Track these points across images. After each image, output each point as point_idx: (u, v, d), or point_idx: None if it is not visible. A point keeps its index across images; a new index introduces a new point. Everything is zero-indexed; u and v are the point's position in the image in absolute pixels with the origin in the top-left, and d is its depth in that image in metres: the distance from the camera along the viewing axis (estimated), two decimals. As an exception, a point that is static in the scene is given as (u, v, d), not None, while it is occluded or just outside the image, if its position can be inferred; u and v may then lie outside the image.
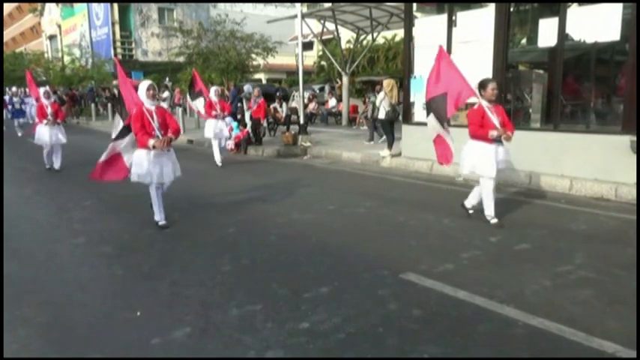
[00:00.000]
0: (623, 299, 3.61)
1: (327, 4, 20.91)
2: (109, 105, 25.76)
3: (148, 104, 5.45)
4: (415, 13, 10.03)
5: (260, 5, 37.66)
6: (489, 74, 7.59)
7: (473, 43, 8.42)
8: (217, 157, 10.13)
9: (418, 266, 4.28)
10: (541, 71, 9.37)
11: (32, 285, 4.11)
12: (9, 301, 3.71)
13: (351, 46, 20.04)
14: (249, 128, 12.37)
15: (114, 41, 35.81)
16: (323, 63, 30.30)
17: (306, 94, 18.20)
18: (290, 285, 3.96)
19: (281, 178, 8.95)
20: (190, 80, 11.73)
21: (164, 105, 15.49)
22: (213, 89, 10.44)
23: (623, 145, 6.72)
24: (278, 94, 17.38)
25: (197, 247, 5.00)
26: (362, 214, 6.26)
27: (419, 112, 9.64)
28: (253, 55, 26.33)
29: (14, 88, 21.77)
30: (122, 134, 5.78)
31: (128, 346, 3.12)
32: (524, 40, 9.94)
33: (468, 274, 4.15)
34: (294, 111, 15.78)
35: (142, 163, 5.44)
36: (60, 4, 41.46)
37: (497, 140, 5.43)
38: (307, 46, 29.33)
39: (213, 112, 10.01)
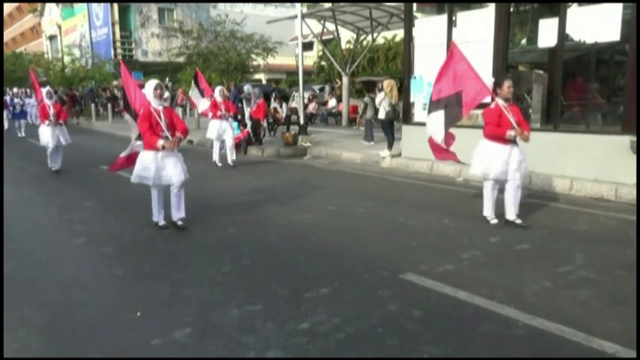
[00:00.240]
0: (623, 299, 3.61)
1: (327, 5, 20.93)
2: (109, 105, 25.75)
3: (156, 104, 5.36)
4: (415, 14, 10.04)
5: (260, 5, 37.67)
6: (489, 74, 7.60)
7: (473, 43, 8.41)
8: (217, 159, 10.10)
9: (418, 266, 4.28)
10: (541, 71, 9.37)
11: (32, 285, 4.11)
12: (9, 301, 3.70)
13: (351, 47, 20.05)
14: (249, 128, 12.37)
15: (114, 41, 35.81)
16: (323, 63, 30.31)
17: (306, 95, 18.20)
18: (290, 285, 3.97)
19: (281, 179, 8.95)
20: (194, 77, 11.66)
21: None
22: (218, 89, 10.33)
23: (623, 145, 6.72)
24: (274, 94, 17.35)
25: (197, 248, 5.00)
26: (362, 214, 6.26)
27: (419, 113, 9.64)
28: (253, 56, 26.36)
29: (15, 89, 21.74)
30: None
31: (128, 346, 3.12)
32: (524, 41, 9.95)
33: (468, 274, 4.15)
34: (294, 111, 15.78)
35: (148, 165, 5.31)
36: (60, 5, 41.47)
37: (512, 141, 5.30)
38: (307, 46, 29.35)
39: (219, 113, 9.92)
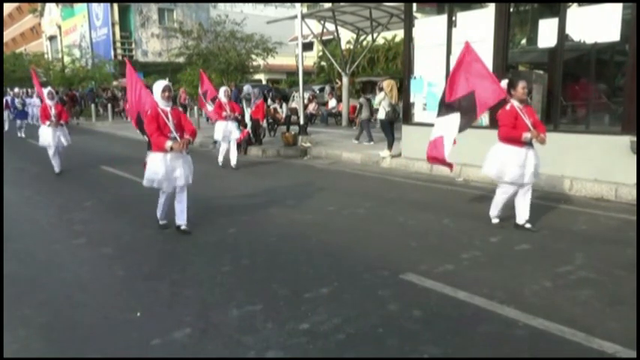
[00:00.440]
0: (623, 299, 3.61)
1: (327, 5, 20.94)
2: (109, 105, 25.76)
3: (163, 105, 5.25)
4: (415, 14, 10.04)
5: (260, 6, 37.68)
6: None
7: (473, 43, 8.40)
8: (221, 159, 9.99)
9: (418, 267, 4.28)
10: (541, 72, 9.37)
11: (32, 285, 4.11)
12: (9, 301, 3.70)
13: (351, 47, 20.05)
14: (249, 129, 12.36)
15: (114, 42, 35.81)
16: (323, 63, 30.33)
17: (306, 95, 18.20)
18: (290, 285, 3.97)
19: (281, 179, 8.95)
20: (199, 78, 11.61)
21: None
22: (222, 90, 10.21)
23: (623, 145, 6.72)
24: (271, 94, 17.29)
25: (197, 248, 5.00)
26: (362, 214, 6.26)
27: (419, 113, 9.65)
28: (253, 56, 26.33)
29: (16, 89, 21.68)
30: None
31: (128, 346, 3.12)
32: (524, 41, 9.94)
33: (468, 274, 4.15)
34: (294, 111, 15.78)
35: (157, 168, 5.19)
36: (60, 5, 41.47)
37: (528, 143, 5.18)
38: (307, 46, 29.36)
39: (223, 114, 9.80)
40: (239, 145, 11.81)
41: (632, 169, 6.44)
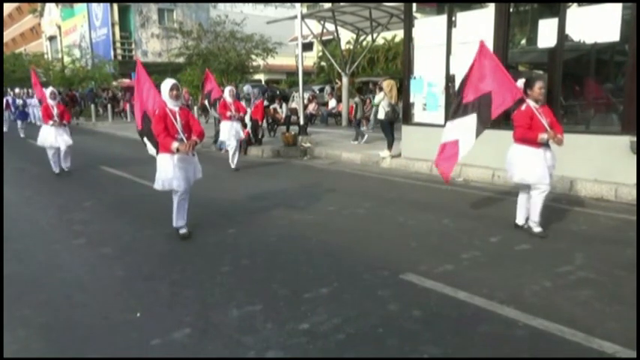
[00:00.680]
0: (623, 299, 3.61)
1: (327, 5, 20.95)
2: (109, 106, 25.77)
3: (172, 105, 5.14)
4: (415, 14, 10.04)
5: (260, 6, 37.68)
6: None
7: (472, 43, 8.38)
8: (234, 161, 9.85)
9: (418, 267, 4.28)
10: (541, 72, 9.37)
11: (32, 285, 4.11)
12: (9, 301, 3.71)
13: (351, 47, 20.06)
14: (249, 129, 12.36)
15: (114, 42, 35.82)
16: (323, 64, 30.33)
17: (306, 95, 18.20)
18: (290, 285, 3.97)
19: (281, 179, 8.95)
20: (203, 81, 11.45)
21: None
22: (227, 89, 10.07)
23: (622, 145, 6.72)
24: (266, 94, 17.26)
25: (197, 248, 5.00)
26: (362, 214, 6.26)
27: (419, 113, 9.65)
28: (253, 56, 26.35)
29: (17, 89, 21.63)
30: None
31: (128, 346, 3.12)
32: (523, 41, 9.94)
33: (468, 274, 4.15)
34: (294, 112, 15.78)
35: (167, 169, 5.11)
36: (60, 5, 41.47)
37: (545, 144, 5.03)
38: (307, 46, 29.37)
39: (228, 113, 9.69)
40: (239, 146, 11.82)
41: (632, 169, 6.44)
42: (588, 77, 8.17)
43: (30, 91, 25.47)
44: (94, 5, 36.68)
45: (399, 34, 18.52)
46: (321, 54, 29.54)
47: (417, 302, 3.61)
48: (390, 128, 10.27)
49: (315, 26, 20.09)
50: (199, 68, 24.01)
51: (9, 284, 4.07)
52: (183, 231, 5.33)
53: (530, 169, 5.03)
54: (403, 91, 10.10)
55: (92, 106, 25.61)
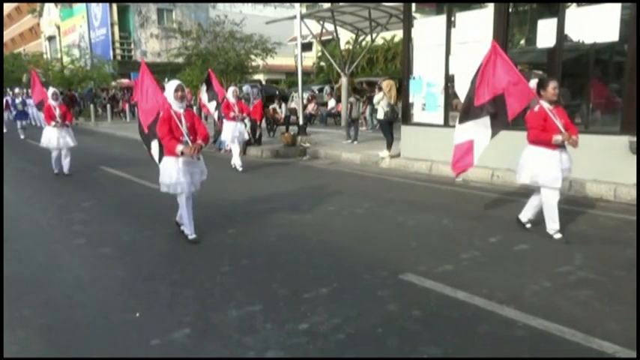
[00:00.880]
0: (623, 299, 3.61)
1: (327, 5, 20.96)
2: (108, 106, 25.75)
3: (176, 107, 5.00)
4: (414, 14, 10.06)
5: (259, 6, 37.67)
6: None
7: (472, 44, 8.43)
8: (238, 162, 9.75)
9: (418, 267, 4.29)
10: (540, 72, 9.37)
11: (32, 286, 4.11)
12: (9, 301, 3.70)
13: (350, 47, 20.06)
14: (248, 129, 12.34)
15: (113, 42, 35.80)
16: (322, 64, 30.35)
17: (305, 95, 18.20)
18: (290, 285, 3.97)
19: (280, 179, 8.95)
20: (206, 78, 11.24)
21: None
22: (231, 89, 10.02)
23: (622, 145, 6.73)
24: (260, 93, 17.13)
25: (196, 248, 5.00)
26: (361, 214, 6.27)
27: (418, 113, 9.66)
28: (252, 56, 26.34)
29: (17, 89, 21.55)
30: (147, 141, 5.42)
31: (128, 346, 3.12)
32: (523, 41, 9.96)
33: (468, 274, 4.15)
34: (294, 112, 15.79)
35: (170, 172, 4.99)
36: (59, 5, 41.45)
37: (561, 145, 4.89)
38: (306, 46, 29.36)
39: (231, 114, 9.62)
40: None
41: (632, 169, 6.45)
42: (588, 77, 8.17)
43: (29, 91, 25.45)
44: (93, 5, 36.68)
45: (399, 34, 18.54)
46: (320, 54, 29.55)
47: (416, 302, 3.61)
48: (389, 128, 10.28)
49: (314, 26, 20.10)
50: (198, 68, 23.98)
51: (9, 284, 4.06)
52: (193, 236, 5.21)
53: (542, 171, 4.91)
54: (402, 91, 10.11)
55: (91, 106, 25.60)
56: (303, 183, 8.47)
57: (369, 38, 18.61)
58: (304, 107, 15.24)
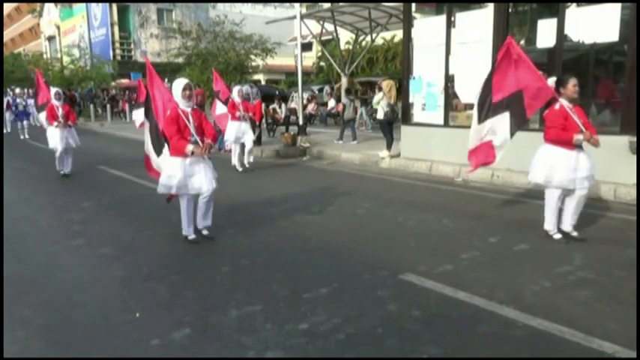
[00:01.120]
0: (623, 300, 3.61)
1: (326, 5, 20.96)
2: (108, 106, 25.75)
3: (184, 105, 4.88)
4: (414, 14, 10.05)
5: (259, 6, 37.67)
6: (488, 75, 7.58)
7: (471, 44, 8.44)
8: (236, 163, 9.71)
9: (418, 267, 4.29)
10: (540, 72, 9.35)
11: (32, 286, 4.11)
12: (8, 302, 3.70)
13: (350, 47, 20.07)
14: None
15: (113, 42, 35.80)
16: (322, 64, 30.35)
17: (305, 95, 18.20)
18: (289, 286, 3.97)
19: (280, 179, 8.95)
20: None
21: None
22: (235, 89, 9.92)
23: (622, 145, 6.73)
24: (257, 93, 17.08)
25: (196, 248, 5.00)
26: (361, 214, 6.26)
27: (418, 113, 9.66)
28: (252, 56, 26.34)
29: (18, 89, 21.52)
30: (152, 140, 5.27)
31: (128, 346, 3.12)
32: (522, 41, 9.94)
33: (468, 274, 4.15)
34: (294, 112, 15.79)
35: (175, 173, 4.83)
36: (59, 5, 41.45)
37: (579, 146, 4.78)
38: (306, 46, 29.35)
39: (237, 114, 9.53)
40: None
41: (631, 169, 6.44)
42: (587, 77, 8.16)
43: (30, 91, 25.44)
44: (93, 5, 36.68)
45: (398, 35, 18.54)
46: (320, 54, 29.55)
47: (416, 302, 3.61)
48: (389, 128, 10.27)
49: (314, 26, 20.10)
50: (198, 68, 23.99)
51: (9, 284, 4.06)
52: (192, 236, 5.15)
53: (557, 172, 4.79)
54: (402, 91, 10.10)
55: (91, 106, 25.60)
56: (303, 183, 8.47)
57: (369, 38, 18.62)
58: (304, 107, 15.24)
